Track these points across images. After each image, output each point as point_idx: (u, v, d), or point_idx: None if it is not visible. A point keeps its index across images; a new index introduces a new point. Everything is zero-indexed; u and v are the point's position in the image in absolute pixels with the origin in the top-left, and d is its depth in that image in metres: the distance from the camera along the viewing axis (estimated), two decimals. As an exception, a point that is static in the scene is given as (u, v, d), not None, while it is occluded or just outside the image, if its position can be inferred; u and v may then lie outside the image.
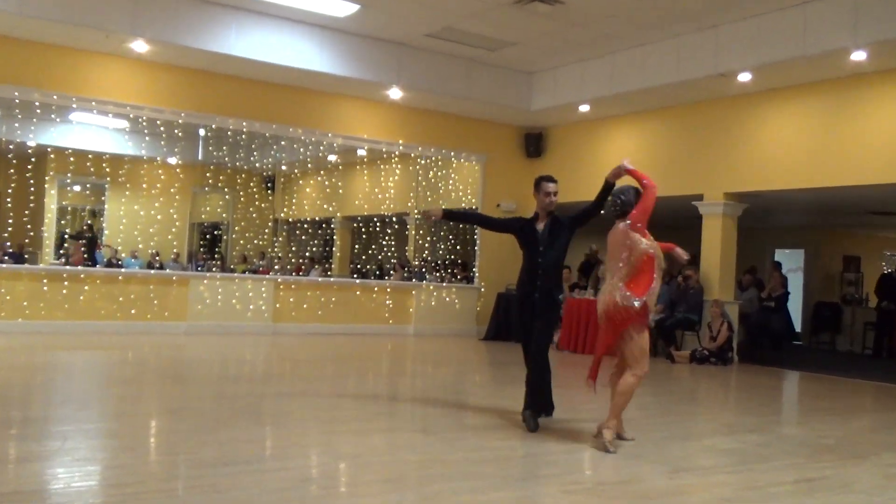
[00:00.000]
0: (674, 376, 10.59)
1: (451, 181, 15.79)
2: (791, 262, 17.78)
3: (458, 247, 16.28)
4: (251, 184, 17.76)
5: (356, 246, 17.53)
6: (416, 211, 16.03)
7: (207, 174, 15.61)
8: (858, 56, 9.81)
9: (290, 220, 18.08)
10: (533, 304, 6.11)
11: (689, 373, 10.91)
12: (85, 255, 13.54)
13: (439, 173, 15.83)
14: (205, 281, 12.59)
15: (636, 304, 5.42)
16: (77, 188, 17.47)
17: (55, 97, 11.55)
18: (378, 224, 16.14)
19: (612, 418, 5.53)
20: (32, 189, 12.40)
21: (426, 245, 16.37)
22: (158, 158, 15.13)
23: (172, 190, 15.78)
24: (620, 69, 12.46)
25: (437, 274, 15.54)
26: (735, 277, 12.95)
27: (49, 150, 15.01)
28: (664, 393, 9.04)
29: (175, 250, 16.37)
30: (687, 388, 9.90)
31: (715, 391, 9.78)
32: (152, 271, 13.24)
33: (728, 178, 12.18)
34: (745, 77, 11.09)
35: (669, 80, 11.73)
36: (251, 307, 12.82)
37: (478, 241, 15.04)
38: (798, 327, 16.09)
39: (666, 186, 13.04)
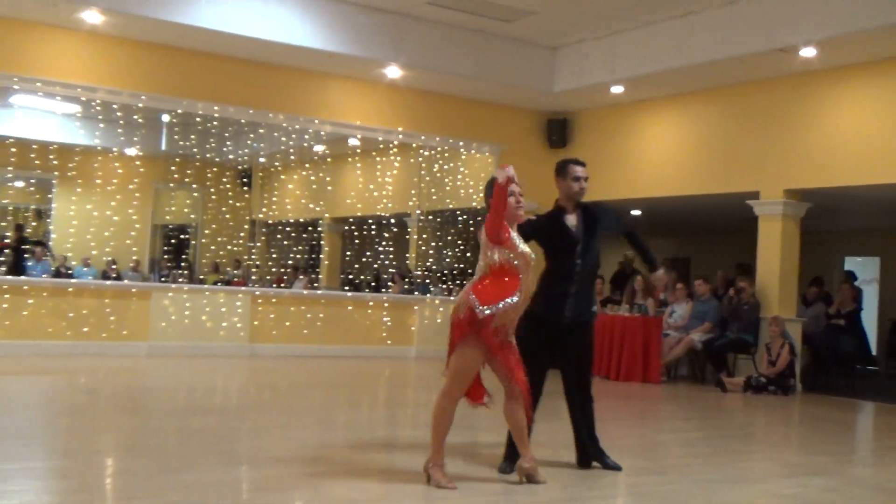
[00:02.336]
0: (725, 408, 10.56)
1: (459, 176, 15.78)
2: (864, 272, 17.71)
3: (467, 254, 16.27)
4: (224, 179, 17.79)
5: (348, 253, 17.54)
6: (418, 211, 16.03)
7: (172, 167, 15.66)
8: (948, 26, 9.81)
9: (270, 221, 18.12)
10: (560, 323, 5.88)
11: (744, 403, 10.88)
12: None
13: (446, 167, 15.83)
14: (169, 294, 12.59)
15: (479, 310, 5.27)
16: (19, 184, 17.54)
17: (-6, 77, 11.61)
18: (374, 227, 16.17)
19: (436, 452, 5.45)
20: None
21: (430, 252, 16.37)
22: (115, 149, 15.19)
23: (131, 186, 15.80)
24: (660, 43, 12.45)
25: (444, 286, 15.52)
26: (798, 291, 12.92)
27: (-15, 139, 15.08)
28: (713, 427, 9.01)
29: (135, 257, 16.41)
30: (740, 421, 9.88)
31: (774, 425, 9.76)
32: (108, 282, 13.27)
33: (789, 172, 12.15)
34: (808, 52, 11.07)
35: (718, 56, 11.71)
36: (224, 325, 12.83)
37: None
38: (873, 349, 16.01)
39: (714, 182, 13.12)
